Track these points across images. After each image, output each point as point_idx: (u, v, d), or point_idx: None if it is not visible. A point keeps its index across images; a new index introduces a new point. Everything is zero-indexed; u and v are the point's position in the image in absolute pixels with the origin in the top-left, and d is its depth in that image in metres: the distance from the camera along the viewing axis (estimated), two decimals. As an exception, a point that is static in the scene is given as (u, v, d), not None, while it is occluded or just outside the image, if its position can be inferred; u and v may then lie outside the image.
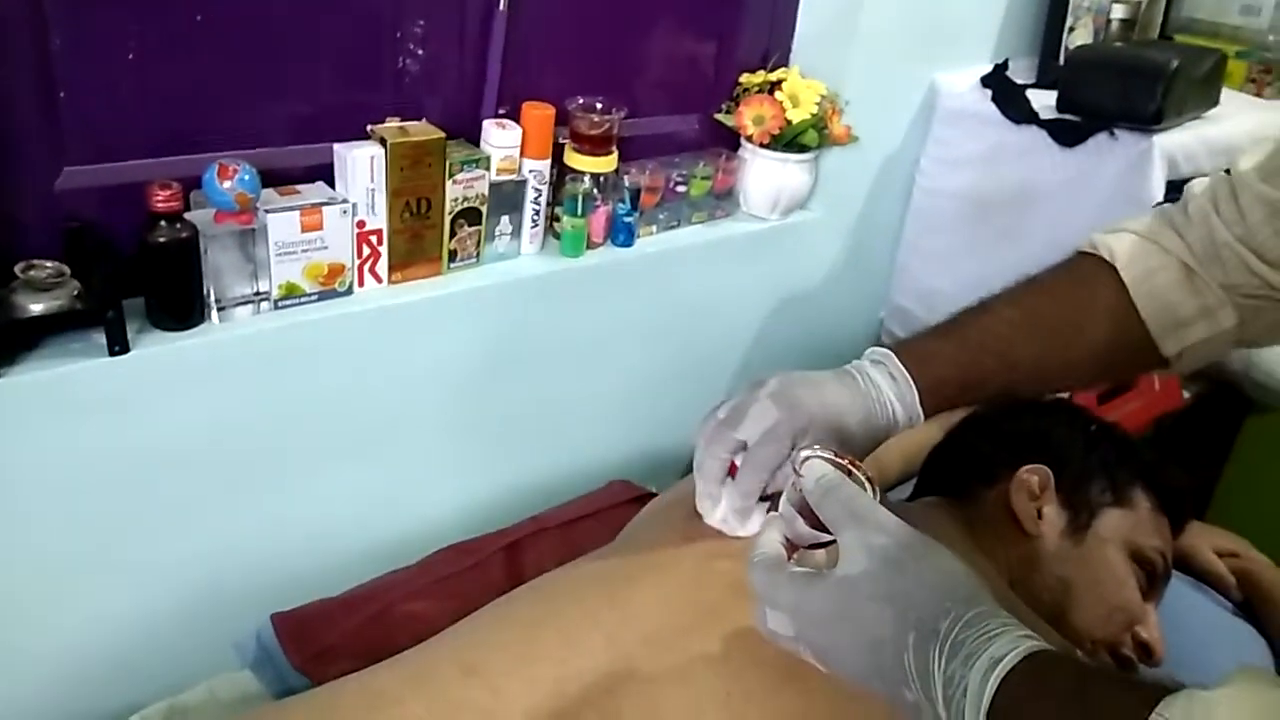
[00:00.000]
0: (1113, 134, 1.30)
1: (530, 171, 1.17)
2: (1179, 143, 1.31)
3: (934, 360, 0.82)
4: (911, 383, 0.80)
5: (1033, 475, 0.99)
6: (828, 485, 0.62)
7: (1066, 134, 1.34)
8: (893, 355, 0.82)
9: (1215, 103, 1.44)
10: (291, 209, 0.98)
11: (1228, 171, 0.81)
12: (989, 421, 1.08)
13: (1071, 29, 1.54)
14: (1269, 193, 0.76)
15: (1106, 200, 1.31)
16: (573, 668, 0.75)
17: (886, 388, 0.80)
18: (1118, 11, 1.63)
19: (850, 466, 0.65)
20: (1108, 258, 0.84)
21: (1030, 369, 0.84)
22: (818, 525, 0.63)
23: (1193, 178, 1.37)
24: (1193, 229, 0.82)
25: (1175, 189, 1.58)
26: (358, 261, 1.06)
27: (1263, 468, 2.14)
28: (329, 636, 0.94)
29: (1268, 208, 0.77)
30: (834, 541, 0.61)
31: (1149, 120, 1.28)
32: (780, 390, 0.76)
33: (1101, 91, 1.31)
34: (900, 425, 0.81)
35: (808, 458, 0.65)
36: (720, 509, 0.77)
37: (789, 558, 0.64)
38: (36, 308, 0.87)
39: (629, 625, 0.77)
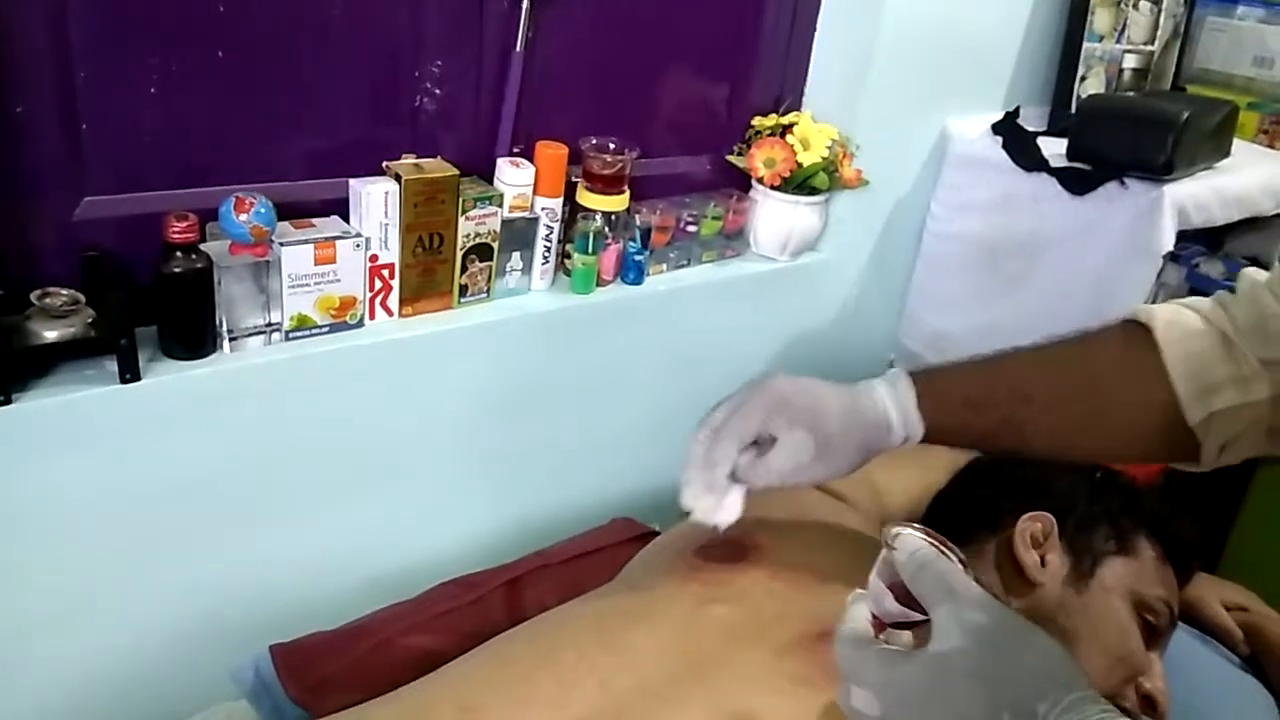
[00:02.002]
0: (1123, 183, 1.30)
1: (542, 209, 1.18)
2: (1190, 193, 1.32)
3: (939, 374, 0.82)
4: (911, 387, 0.80)
5: (1036, 522, 0.98)
6: (922, 560, 0.60)
7: (1077, 182, 1.35)
8: (901, 370, 0.82)
9: (1227, 153, 1.45)
10: (306, 242, 1.00)
11: None
12: (993, 468, 1.08)
13: (1084, 78, 1.56)
14: None
15: (1116, 249, 1.31)
16: (568, 713, 0.75)
17: (883, 390, 0.81)
18: (1130, 61, 1.64)
19: (942, 545, 0.63)
20: (1145, 320, 0.82)
21: (1042, 409, 0.82)
22: (906, 602, 0.62)
23: (1204, 228, 1.38)
24: (1239, 304, 0.80)
25: (1186, 239, 1.59)
26: (369, 294, 1.08)
27: (1275, 519, 2.12)
28: (327, 668, 0.94)
29: None
30: (924, 621, 0.60)
31: (1159, 170, 1.28)
32: (760, 379, 0.80)
33: (1112, 141, 1.32)
34: (894, 430, 0.80)
35: (899, 532, 0.64)
36: (697, 487, 0.79)
37: (875, 635, 0.63)
38: (51, 335, 0.88)
39: (623, 671, 0.77)
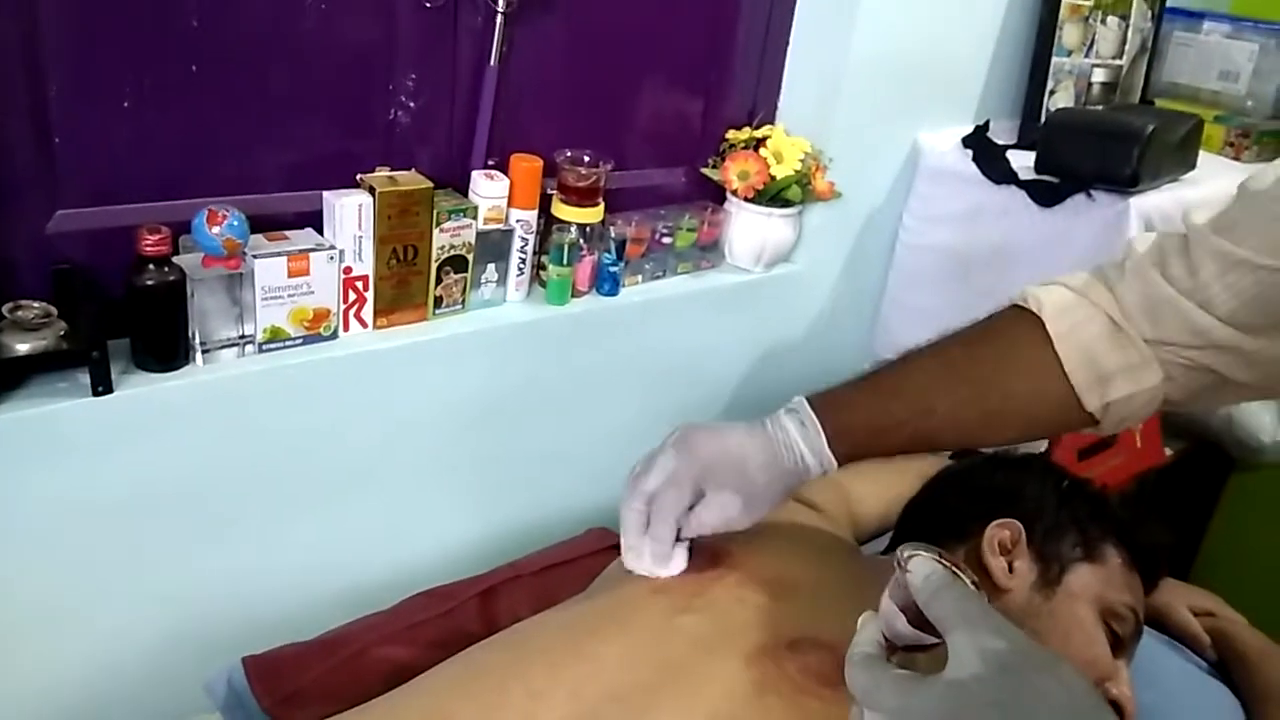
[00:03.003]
0: (1090, 195, 1.32)
1: (517, 221, 1.19)
2: (1155, 204, 1.34)
3: (844, 406, 0.85)
4: (819, 428, 0.83)
5: (1004, 529, 0.99)
6: (937, 583, 0.59)
7: (1045, 194, 1.37)
8: (805, 402, 0.85)
9: (1192, 166, 1.47)
10: (279, 254, 1.00)
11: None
12: (962, 476, 1.09)
13: (1053, 92, 1.58)
14: (1222, 245, 0.76)
15: (1083, 259, 1.30)
16: (538, 721, 0.75)
17: (795, 432, 0.83)
18: (1099, 75, 1.66)
19: (955, 569, 0.62)
20: (1034, 309, 0.84)
21: (946, 417, 0.84)
22: (919, 625, 0.60)
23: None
24: (1126, 284, 0.82)
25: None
26: (343, 306, 1.08)
27: (1247, 525, 2.15)
28: (300, 680, 0.94)
29: (1220, 261, 0.76)
30: (938, 644, 0.59)
31: (1125, 182, 1.30)
32: (681, 439, 0.83)
33: (1079, 154, 1.34)
34: (812, 470, 0.84)
35: (912, 555, 0.62)
36: (645, 559, 0.84)
37: (888, 658, 0.61)
38: (23, 347, 0.88)
39: (593, 680, 0.77)
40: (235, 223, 0.95)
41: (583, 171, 1.22)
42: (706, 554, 0.91)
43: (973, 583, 0.62)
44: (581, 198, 1.23)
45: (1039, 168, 1.39)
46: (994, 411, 0.85)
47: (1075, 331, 0.82)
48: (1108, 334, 0.82)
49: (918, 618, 0.60)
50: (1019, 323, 0.85)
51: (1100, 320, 0.82)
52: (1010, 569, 0.98)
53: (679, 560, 0.85)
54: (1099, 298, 0.83)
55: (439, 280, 1.15)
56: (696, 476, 0.81)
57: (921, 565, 0.61)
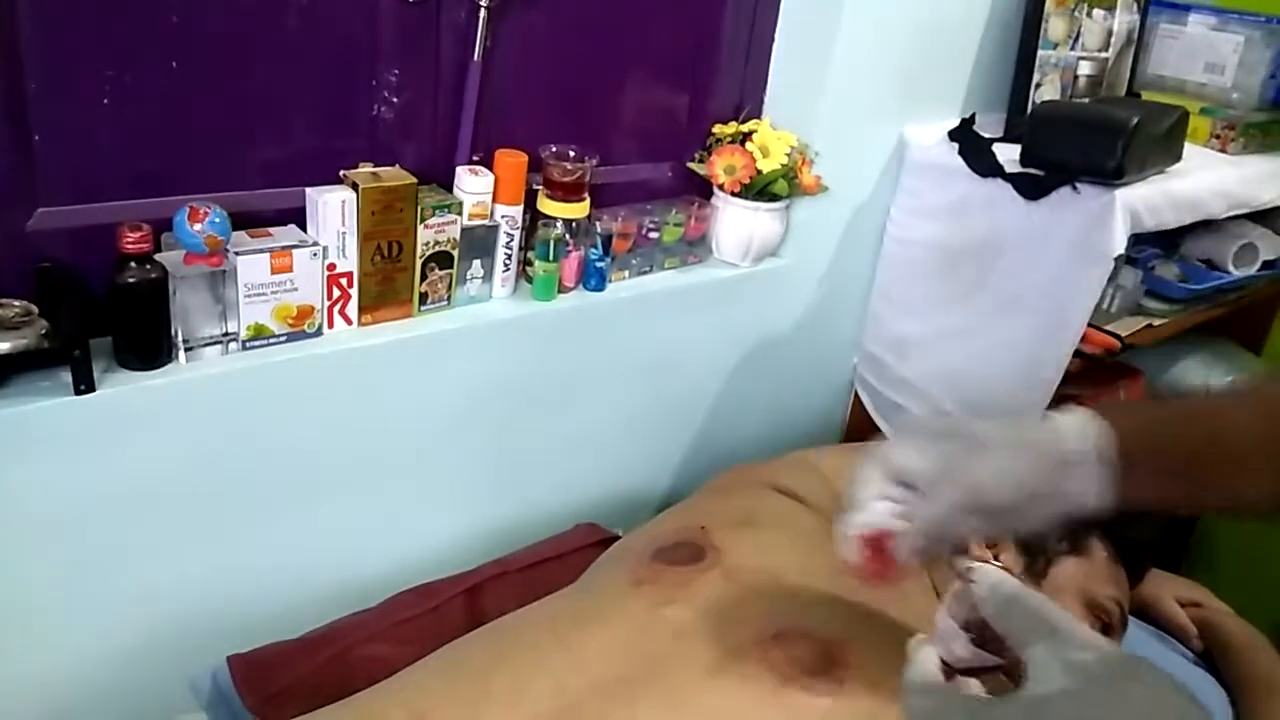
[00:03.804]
0: (1075, 188, 1.32)
1: (503, 217, 1.19)
2: (1141, 196, 1.34)
3: (1126, 412, 0.69)
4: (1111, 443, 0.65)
5: (990, 523, 0.99)
6: (1010, 593, 0.55)
7: (1030, 187, 1.37)
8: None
9: (1178, 158, 1.47)
10: (261, 251, 1.00)
11: None
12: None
13: (1039, 85, 1.58)
14: None
15: (1069, 252, 1.33)
16: (522, 712, 0.75)
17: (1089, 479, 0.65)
18: (1085, 68, 1.66)
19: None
20: None
21: (1243, 448, 0.68)
22: (980, 645, 0.56)
23: (1159, 231, 1.40)
24: None
25: (1142, 241, 1.62)
26: (327, 303, 1.08)
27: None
28: (285, 679, 0.94)
29: None
30: (1001, 665, 0.55)
31: (1110, 175, 1.30)
32: (955, 445, 0.66)
33: (1064, 146, 1.34)
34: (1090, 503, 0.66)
35: (974, 565, 0.58)
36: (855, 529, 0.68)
37: (946, 683, 0.57)
38: (3, 346, 0.87)
39: (578, 672, 0.77)
40: (217, 219, 0.95)
41: (568, 166, 1.22)
42: (693, 548, 0.92)
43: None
44: (567, 193, 1.23)
45: (1024, 160, 1.39)
46: None
47: None
48: None
49: (979, 637, 0.56)
50: None
51: None
52: (995, 562, 0.98)
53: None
54: None
55: (424, 276, 1.14)
56: (965, 508, 0.63)
57: (987, 574, 0.57)
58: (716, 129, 1.41)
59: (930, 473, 0.65)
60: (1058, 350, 1.36)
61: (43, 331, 0.90)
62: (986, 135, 1.49)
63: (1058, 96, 1.61)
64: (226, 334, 1.01)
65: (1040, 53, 1.56)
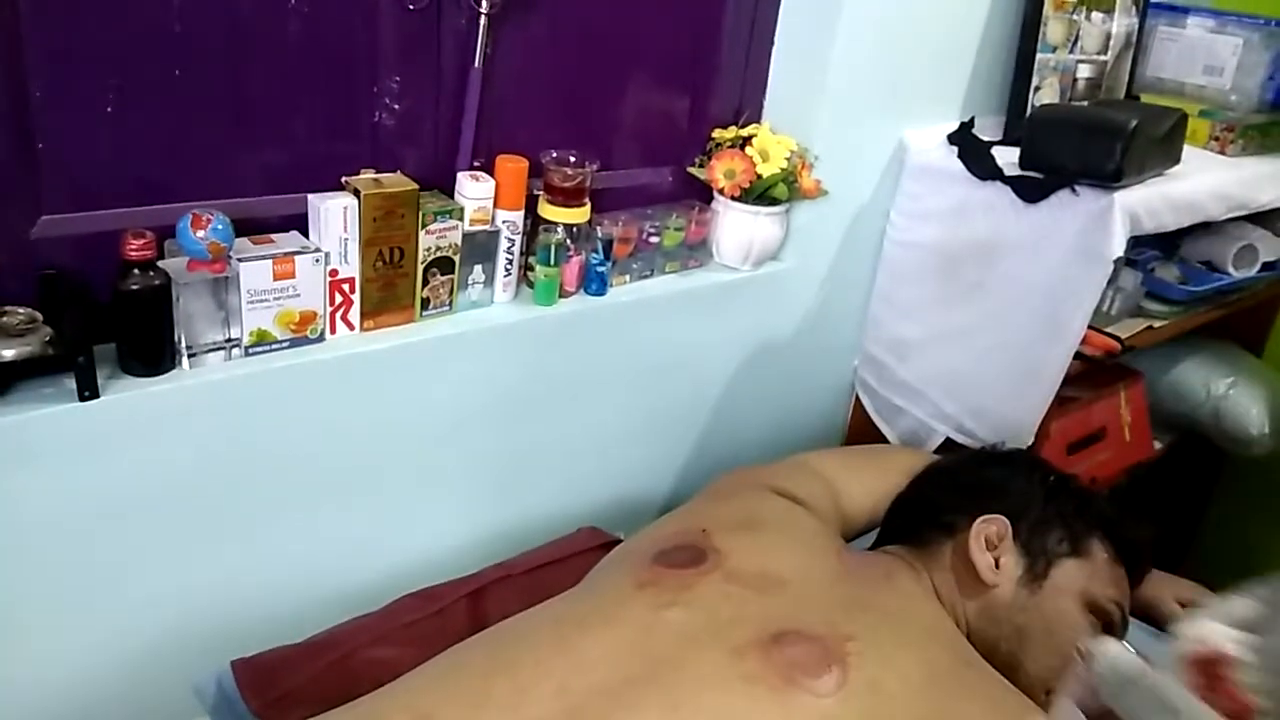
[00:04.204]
0: (1074, 190, 1.33)
1: (504, 222, 1.19)
2: (1140, 199, 1.34)
3: None
4: None
5: (990, 525, 1.00)
6: (1128, 673, 0.54)
7: (1029, 190, 1.37)
8: None
9: (1177, 160, 1.48)
10: (264, 258, 1.01)
11: None
12: (949, 472, 1.10)
13: (1038, 88, 1.58)
14: None
15: (1069, 254, 1.33)
16: (524, 715, 0.75)
17: None
18: (1084, 71, 1.67)
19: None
20: None
21: None
22: None
23: (1158, 233, 1.41)
24: None
25: (1142, 244, 1.62)
26: (330, 309, 1.08)
27: (1240, 516, 2.16)
28: (289, 683, 0.94)
29: None
30: None
31: (1109, 177, 1.31)
32: None
33: (1063, 149, 1.34)
34: None
35: (1096, 646, 0.57)
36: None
37: None
38: (8, 353, 0.88)
39: (580, 674, 0.78)
40: (220, 226, 0.95)
41: (569, 172, 1.22)
42: (694, 551, 0.92)
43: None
44: (568, 198, 1.24)
45: (1024, 163, 1.39)
46: None
47: None
48: None
49: (1099, 713, 0.54)
50: None
51: None
52: (996, 564, 0.99)
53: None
54: None
55: (425, 282, 1.15)
56: None
57: (1105, 653, 0.56)
58: (716, 133, 1.42)
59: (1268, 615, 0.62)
60: (1058, 352, 1.37)
61: (47, 338, 0.90)
62: (985, 138, 1.49)
63: (1057, 99, 1.62)
64: (229, 340, 1.01)
65: (1039, 56, 1.56)
